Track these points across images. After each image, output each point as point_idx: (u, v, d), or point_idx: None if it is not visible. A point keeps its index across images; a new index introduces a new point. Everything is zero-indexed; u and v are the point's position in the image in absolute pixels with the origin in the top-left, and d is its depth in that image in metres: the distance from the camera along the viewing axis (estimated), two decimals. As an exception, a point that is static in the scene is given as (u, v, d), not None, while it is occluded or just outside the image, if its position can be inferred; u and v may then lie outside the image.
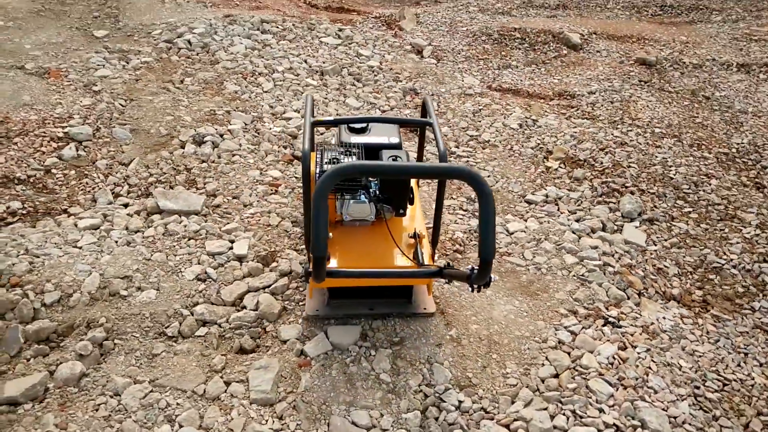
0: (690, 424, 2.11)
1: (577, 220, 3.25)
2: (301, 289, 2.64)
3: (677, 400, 2.19)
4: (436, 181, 2.48)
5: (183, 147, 3.66)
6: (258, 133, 3.90)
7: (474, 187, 1.64)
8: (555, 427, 2.05)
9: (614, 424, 2.05)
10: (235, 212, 3.15)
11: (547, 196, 3.46)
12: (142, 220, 3.00)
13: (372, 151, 2.33)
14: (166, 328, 2.41)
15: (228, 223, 3.05)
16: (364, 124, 2.44)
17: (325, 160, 2.23)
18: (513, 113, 4.38)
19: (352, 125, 2.43)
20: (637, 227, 3.21)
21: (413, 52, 5.44)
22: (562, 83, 4.97)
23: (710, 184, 3.64)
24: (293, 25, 5.66)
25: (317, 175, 2.18)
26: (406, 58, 5.27)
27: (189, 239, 2.90)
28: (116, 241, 2.82)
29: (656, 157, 3.88)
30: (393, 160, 2.21)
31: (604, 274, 2.83)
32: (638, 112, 4.45)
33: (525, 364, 2.32)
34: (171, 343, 2.37)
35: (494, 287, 2.74)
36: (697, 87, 4.88)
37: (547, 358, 2.34)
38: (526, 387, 2.22)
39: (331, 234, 2.23)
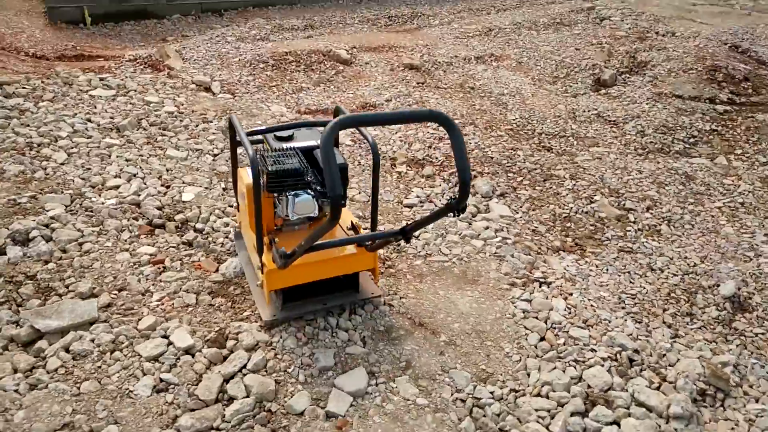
0: (640, 336, 2.66)
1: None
2: (280, 358, 2.41)
3: (623, 321, 2.73)
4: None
5: (1, 253, 2.89)
6: (92, 212, 3.29)
7: (445, 124, 1.92)
8: (572, 378, 2.36)
9: (608, 357, 2.47)
10: (138, 305, 2.66)
11: (418, 197, 3.76)
12: (25, 358, 2.31)
13: (307, 153, 2.51)
14: (161, 459, 1.97)
15: (140, 319, 2.56)
16: (290, 132, 2.61)
17: (269, 163, 2.34)
18: (341, 131, 4.56)
19: (278, 135, 2.59)
20: (497, 203, 3.75)
21: (201, 90, 5.16)
22: (357, 96, 5.33)
23: (519, 156, 4.42)
24: (43, 83, 4.82)
25: (264, 179, 2.30)
26: (199, 98, 4.98)
27: (112, 352, 2.36)
28: (16, 390, 2.13)
29: (469, 143, 4.52)
30: None
31: (507, 245, 3.27)
32: (437, 108, 5.08)
33: (515, 340, 2.59)
34: (178, 472, 1.95)
35: (441, 284, 2.93)
36: (461, 80, 5.78)
37: (525, 327, 2.64)
38: (528, 357, 2.49)
39: (276, 239, 2.43)
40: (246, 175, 2.56)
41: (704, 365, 2.45)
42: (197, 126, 4.44)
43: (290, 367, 2.37)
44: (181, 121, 4.47)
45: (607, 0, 8.96)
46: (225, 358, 2.40)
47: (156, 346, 2.39)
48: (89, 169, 3.72)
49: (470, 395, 2.30)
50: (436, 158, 4.26)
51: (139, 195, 3.48)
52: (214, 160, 4.04)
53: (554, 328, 2.63)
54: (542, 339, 2.57)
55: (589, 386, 2.34)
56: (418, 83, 5.67)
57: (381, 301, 2.75)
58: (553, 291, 2.90)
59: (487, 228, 3.40)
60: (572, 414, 2.21)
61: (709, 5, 9.29)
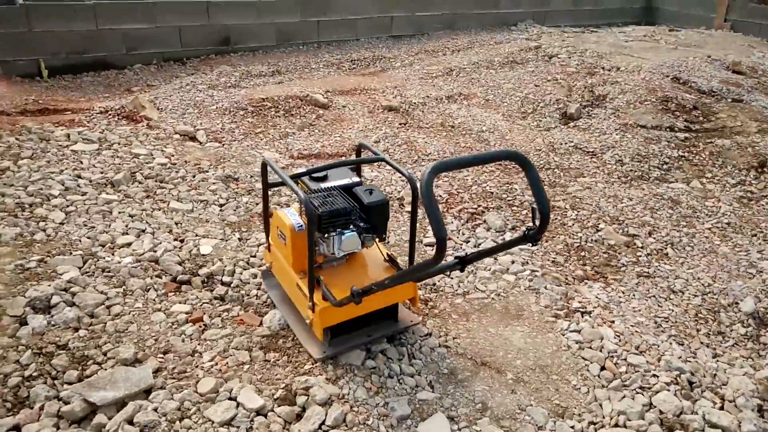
0: (688, 359, 2.78)
1: (475, 246, 3.71)
2: (357, 411, 2.34)
3: (669, 345, 2.85)
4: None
5: (22, 323, 2.68)
6: (110, 272, 3.11)
7: (522, 163, 2.04)
8: (643, 405, 2.44)
9: (671, 381, 2.56)
10: (190, 367, 2.52)
11: (436, 235, 3.80)
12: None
13: (346, 190, 2.62)
14: None
15: (198, 382, 2.43)
16: (324, 173, 2.69)
17: (317, 204, 2.43)
18: (342, 174, 4.57)
19: (313, 175, 2.67)
20: (512, 236, 3.85)
21: (187, 140, 5.04)
22: (344, 139, 5.36)
23: (516, 189, 4.57)
24: (17, 139, 4.56)
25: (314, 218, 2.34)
26: (188, 147, 4.85)
27: (180, 420, 2.21)
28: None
29: (467, 180, 4.64)
30: (369, 193, 2.58)
31: (538, 278, 3.35)
32: (424, 148, 5.20)
33: (578, 372, 2.64)
34: None
35: (489, 321, 2.96)
36: (440, 119, 5.95)
37: (583, 358, 2.71)
38: (595, 388, 2.55)
39: (321, 277, 2.50)
40: (286, 216, 2.64)
41: (754, 382, 2.59)
42: (194, 177, 4.31)
43: (369, 419, 2.30)
44: (176, 172, 4.33)
45: (549, 39, 9.55)
46: (298, 416, 2.31)
47: (226, 409, 2.26)
48: (93, 227, 3.52)
49: (553, 431, 2.31)
50: (440, 196, 4.33)
51: (155, 251, 3.33)
52: (221, 210, 3.93)
53: (612, 356, 2.71)
54: (603, 368, 2.64)
55: (661, 412, 2.41)
56: (400, 124, 5.78)
57: (421, 329, 2.81)
58: (596, 320, 2.99)
59: (513, 262, 3.48)
60: (655, 439, 2.27)
61: (638, 41, 10.09)
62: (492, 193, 4.46)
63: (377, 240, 2.64)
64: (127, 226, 3.58)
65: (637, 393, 2.51)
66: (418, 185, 1.84)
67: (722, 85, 7.31)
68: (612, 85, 6.90)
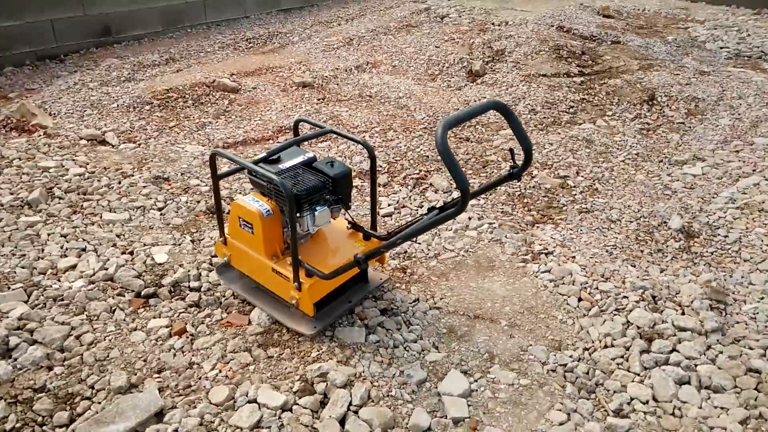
0: (644, 277, 3.11)
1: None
2: (378, 385, 2.39)
3: (627, 268, 3.16)
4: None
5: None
6: (64, 300, 2.87)
7: (503, 111, 2.25)
8: (623, 324, 2.71)
9: (639, 299, 2.86)
10: (194, 380, 2.42)
11: (390, 204, 3.87)
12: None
13: (308, 166, 2.65)
14: None
15: (209, 393, 2.34)
16: (277, 155, 2.66)
17: (291, 185, 2.42)
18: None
19: (269, 159, 2.62)
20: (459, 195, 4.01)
21: (97, 144, 4.65)
22: (266, 122, 5.21)
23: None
24: None
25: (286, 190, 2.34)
26: (101, 153, 4.49)
27: (209, 434, 2.13)
28: None
29: (400, 147, 4.73)
30: (331, 165, 2.60)
31: (497, 229, 3.54)
32: (350, 121, 5.19)
33: (560, 307, 2.86)
34: None
35: (467, 277, 3.10)
36: (357, 91, 5.94)
37: (560, 293, 2.94)
38: (578, 318, 2.79)
39: (300, 257, 2.50)
40: (249, 204, 2.59)
41: (700, 286, 2.96)
42: (120, 183, 4.01)
43: (391, 390, 2.36)
44: (98, 181, 4.00)
45: (436, 0, 9.76)
46: (322, 402, 2.31)
47: (250, 413, 2.22)
48: (24, 255, 3.20)
49: (557, 364, 2.51)
50: (381, 166, 4.38)
51: (106, 269, 3.10)
52: (162, 214, 3.71)
53: (584, 288, 2.96)
54: (580, 299, 2.88)
55: (638, 327, 2.70)
56: (318, 99, 5.71)
57: (389, 284, 2.97)
58: (560, 258, 3.24)
59: (470, 218, 3.63)
60: (641, 353, 2.54)
61: (515, -5, 10.60)
62: (427, 156, 4.58)
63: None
64: (63, 247, 3.28)
65: (615, 315, 2.77)
66: (435, 138, 1.93)
67: (600, 29, 7.92)
68: (507, 40, 7.23)
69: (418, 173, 4.29)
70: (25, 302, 2.85)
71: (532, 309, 2.85)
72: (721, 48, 7.58)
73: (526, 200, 4.02)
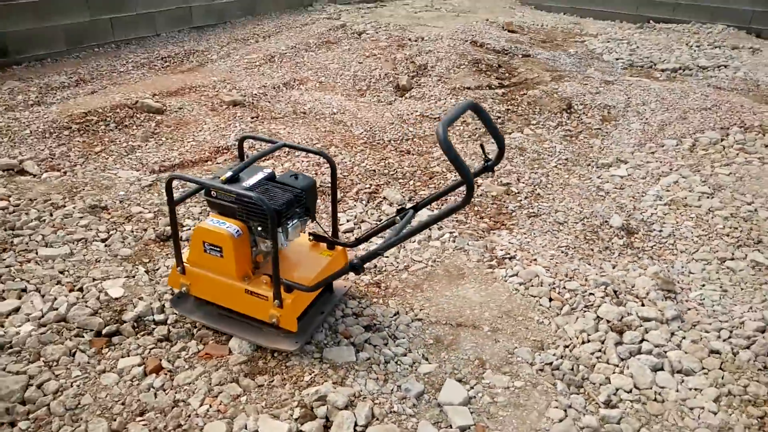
0: (602, 274, 3.33)
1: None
2: (379, 403, 2.36)
3: (586, 266, 3.36)
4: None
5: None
6: (13, 347, 2.60)
7: (476, 110, 2.29)
8: (594, 320, 2.87)
9: (604, 294, 3.05)
10: (183, 419, 2.27)
11: (348, 220, 3.85)
12: None
13: (272, 181, 2.62)
14: None
15: (203, 430, 2.21)
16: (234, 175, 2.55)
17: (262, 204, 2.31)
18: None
19: (231, 179, 2.51)
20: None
21: (15, 175, 4.25)
22: (201, 142, 5.01)
23: (393, 164, 4.80)
24: None
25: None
26: (23, 184, 4.11)
27: (216, 475, 2.00)
28: None
29: (345, 163, 4.73)
30: (295, 178, 2.62)
31: (459, 237, 3.64)
32: (290, 138, 5.12)
33: (535, 308, 2.98)
34: None
35: (440, 286, 3.15)
36: (290, 108, 5.87)
37: (532, 295, 3.07)
38: (554, 317, 2.92)
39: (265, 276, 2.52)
40: (217, 227, 2.49)
41: (651, 278, 3.22)
42: (52, 215, 3.69)
43: (393, 406, 2.35)
44: (27, 214, 3.65)
45: (349, 16, 9.89)
46: (326, 426, 2.25)
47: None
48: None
49: (543, 363, 2.62)
50: (328, 182, 4.36)
51: (56, 308, 2.84)
52: (107, 245, 3.45)
53: (553, 288, 3.11)
54: (551, 300, 3.03)
55: (608, 321, 2.88)
56: (252, 117, 5.58)
57: (351, 292, 3.04)
58: (522, 262, 3.38)
59: (431, 229, 3.70)
60: (615, 345, 2.72)
61: (425, 11, 10.99)
62: (374, 170, 4.62)
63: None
64: (1, 290, 2.96)
65: (585, 312, 2.94)
66: (438, 135, 1.98)
67: (509, 44, 8.39)
68: (427, 55, 7.47)
69: (369, 188, 4.30)
70: (-33, 355, 2.53)
71: (510, 312, 2.95)
72: (617, 59, 8.29)
73: (477, 208, 4.16)
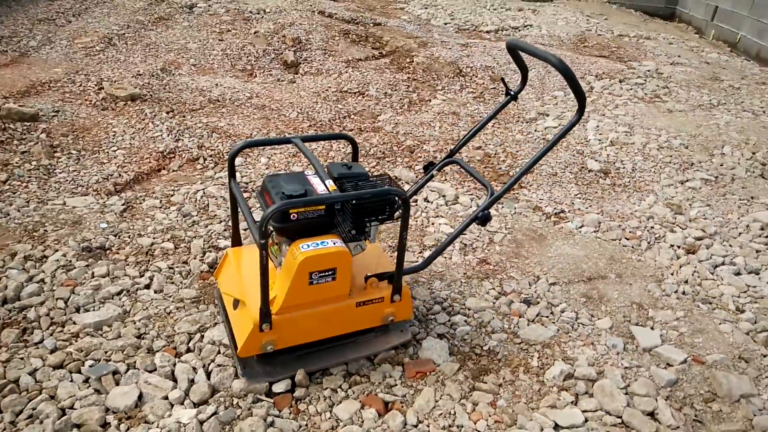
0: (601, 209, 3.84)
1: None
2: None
3: (587, 202, 3.83)
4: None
5: None
6: None
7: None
8: (670, 246, 3.36)
9: (656, 226, 3.54)
10: None
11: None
12: None
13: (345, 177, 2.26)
14: None
15: None
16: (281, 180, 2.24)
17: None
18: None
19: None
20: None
21: None
22: (137, 150, 4.08)
23: (363, 143, 4.61)
24: None
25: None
26: (-63, 240, 2.88)
27: None
28: None
29: (318, 149, 4.39)
30: (348, 168, 2.28)
31: (474, 199, 3.78)
32: (234, 130, 4.49)
33: (624, 251, 3.33)
34: None
35: (538, 249, 3.28)
36: (201, 97, 5.08)
37: (610, 239, 3.41)
38: (643, 252, 3.32)
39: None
40: (324, 248, 2.06)
41: (664, 206, 3.84)
42: (44, 271, 2.73)
43: (619, 362, 2.47)
44: (8, 278, 2.62)
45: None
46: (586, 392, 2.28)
47: None
48: None
49: (674, 292, 3.00)
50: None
51: (194, 382, 2.21)
52: (157, 291, 2.72)
53: (623, 229, 3.49)
54: (627, 239, 3.42)
55: (679, 246, 3.39)
56: (168, 112, 4.69)
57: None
58: (571, 213, 3.69)
59: (471, 200, 3.76)
60: (700, 262, 3.24)
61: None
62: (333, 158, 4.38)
63: None
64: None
65: (659, 243, 3.40)
66: (556, 61, 2.08)
67: (352, 13, 8.42)
68: (291, 27, 7.09)
69: (370, 169, 4.10)
70: None
71: (613, 258, 3.25)
72: (446, 24, 9.01)
73: (486, 173, 4.30)
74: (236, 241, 2.54)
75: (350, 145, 2.50)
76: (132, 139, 4.18)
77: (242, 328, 2.13)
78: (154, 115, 4.58)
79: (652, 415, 2.23)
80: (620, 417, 2.21)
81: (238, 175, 3.86)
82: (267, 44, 6.63)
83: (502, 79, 2.60)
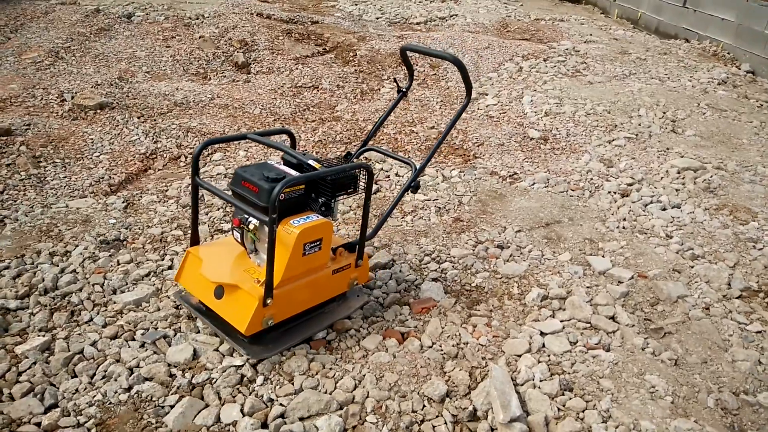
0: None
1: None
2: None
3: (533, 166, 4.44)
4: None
5: None
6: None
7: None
8: (610, 193, 3.99)
9: (592, 178, 4.16)
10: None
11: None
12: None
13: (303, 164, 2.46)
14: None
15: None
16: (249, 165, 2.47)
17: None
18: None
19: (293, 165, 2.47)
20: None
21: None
22: (120, 154, 4.30)
23: (329, 135, 5.01)
24: None
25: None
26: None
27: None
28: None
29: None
30: (303, 154, 2.50)
31: (460, 171, 4.29)
32: (207, 129, 4.77)
33: (571, 200, 3.92)
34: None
35: (501, 205, 3.82)
36: (166, 101, 5.29)
37: (558, 192, 3.99)
38: (587, 199, 3.92)
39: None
40: (312, 221, 2.31)
41: (598, 162, 4.49)
42: (72, 262, 2.98)
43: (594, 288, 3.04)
44: (42, 271, 2.87)
45: (98, 0, 8.66)
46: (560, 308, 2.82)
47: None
48: None
49: (617, 228, 3.61)
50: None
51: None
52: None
53: (569, 183, 4.09)
54: (573, 191, 4.01)
55: (614, 192, 4.02)
56: (139, 117, 4.89)
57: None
58: (522, 173, 4.26)
59: (443, 175, 4.25)
60: (633, 203, 3.88)
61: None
62: (321, 141, 4.78)
63: None
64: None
65: (598, 191, 4.02)
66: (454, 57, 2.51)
67: (291, 13, 8.73)
68: (235, 30, 7.34)
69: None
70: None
71: (563, 205, 3.83)
72: (377, 18, 9.48)
73: (444, 147, 4.79)
74: (195, 241, 2.59)
75: (289, 139, 2.71)
76: (111, 144, 4.38)
77: (241, 309, 2.22)
78: (126, 121, 4.78)
79: (613, 318, 2.79)
80: (589, 322, 2.75)
81: (221, 167, 4.16)
82: (215, 48, 6.86)
83: (395, 80, 3.10)
